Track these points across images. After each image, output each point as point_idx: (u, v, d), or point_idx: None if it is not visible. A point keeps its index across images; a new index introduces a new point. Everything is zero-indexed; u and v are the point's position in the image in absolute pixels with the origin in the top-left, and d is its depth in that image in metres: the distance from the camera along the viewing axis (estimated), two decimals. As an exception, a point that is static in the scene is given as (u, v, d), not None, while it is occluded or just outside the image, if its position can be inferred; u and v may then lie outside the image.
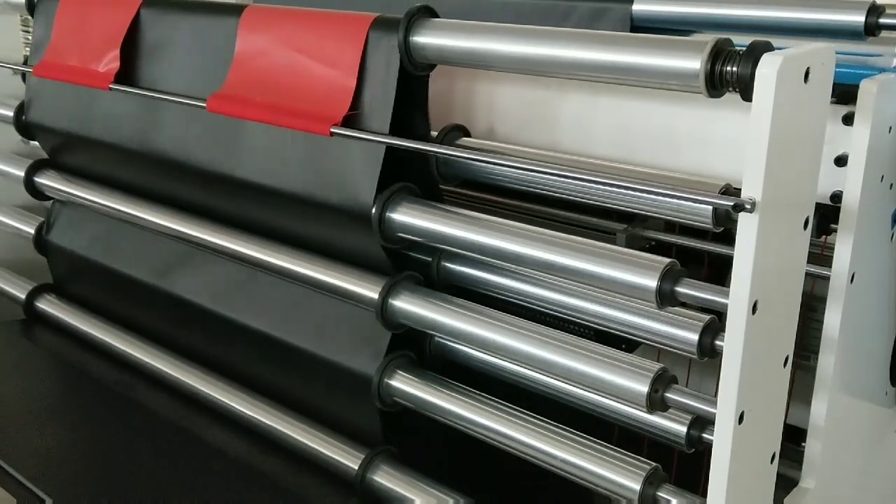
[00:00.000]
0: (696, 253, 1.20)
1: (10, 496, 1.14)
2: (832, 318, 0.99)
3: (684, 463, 1.06)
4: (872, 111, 0.93)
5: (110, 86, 1.31)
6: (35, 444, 1.24)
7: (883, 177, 1.01)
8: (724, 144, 1.08)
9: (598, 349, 0.95)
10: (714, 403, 0.83)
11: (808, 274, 0.93)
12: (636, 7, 1.21)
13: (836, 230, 0.98)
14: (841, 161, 0.98)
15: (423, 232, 1.05)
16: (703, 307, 0.87)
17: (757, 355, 0.81)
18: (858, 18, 1.08)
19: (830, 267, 0.98)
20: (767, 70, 0.73)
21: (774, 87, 0.73)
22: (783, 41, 0.92)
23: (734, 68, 0.78)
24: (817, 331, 1.00)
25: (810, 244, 0.88)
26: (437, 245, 1.07)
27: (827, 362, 1.00)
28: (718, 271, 1.22)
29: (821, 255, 1.06)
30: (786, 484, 1.03)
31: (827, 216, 1.04)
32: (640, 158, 1.14)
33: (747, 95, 0.76)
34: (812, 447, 1.02)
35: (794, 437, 1.10)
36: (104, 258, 1.49)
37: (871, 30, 1.09)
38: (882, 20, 1.08)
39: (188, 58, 1.27)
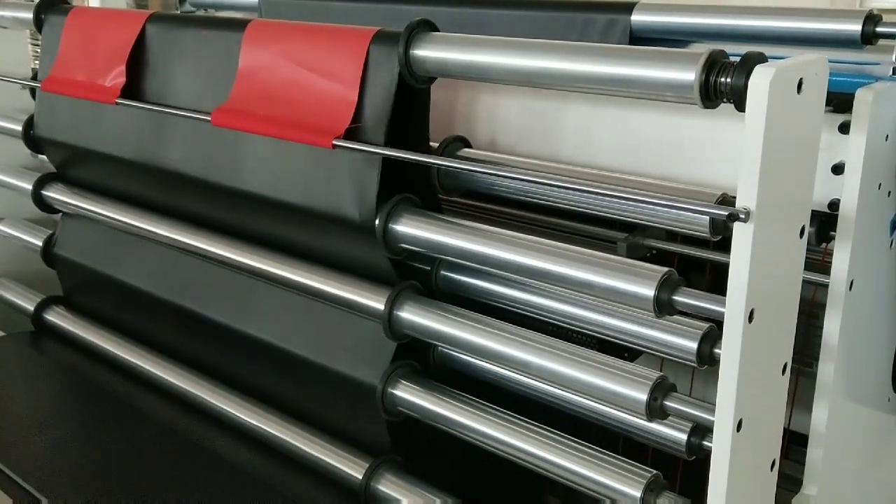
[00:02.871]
0: (698, 261, 1.20)
1: (7, 497, 1.15)
2: (831, 325, 0.99)
3: (689, 472, 1.07)
4: (868, 120, 0.94)
5: (116, 100, 1.33)
6: (37, 450, 1.25)
7: (881, 184, 1.01)
8: (725, 153, 1.09)
9: (599, 358, 0.95)
10: (713, 411, 0.83)
11: (808, 282, 0.93)
12: (635, 18, 1.22)
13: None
14: (838, 170, 0.99)
15: (425, 243, 1.06)
16: (703, 316, 0.88)
17: (754, 363, 0.81)
18: (855, 27, 1.09)
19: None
20: (760, 81, 0.74)
21: (767, 98, 0.74)
22: (781, 51, 0.93)
23: (728, 79, 0.79)
24: (820, 338, 1.01)
25: (812, 252, 0.89)
26: (439, 255, 1.08)
27: (827, 369, 1.00)
28: (720, 279, 1.22)
29: (822, 263, 1.06)
30: (797, 487, 1.04)
31: (827, 224, 1.04)
32: (642, 168, 1.15)
33: (741, 106, 0.77)
34: (813, 454, 1.02)
35: (802, 445, 1.10)
36: (111, 270, 1.50)
37: (868, 38, 1.09)
38: (879, 29, 1.09)
39: (193, 72, 1.28)
